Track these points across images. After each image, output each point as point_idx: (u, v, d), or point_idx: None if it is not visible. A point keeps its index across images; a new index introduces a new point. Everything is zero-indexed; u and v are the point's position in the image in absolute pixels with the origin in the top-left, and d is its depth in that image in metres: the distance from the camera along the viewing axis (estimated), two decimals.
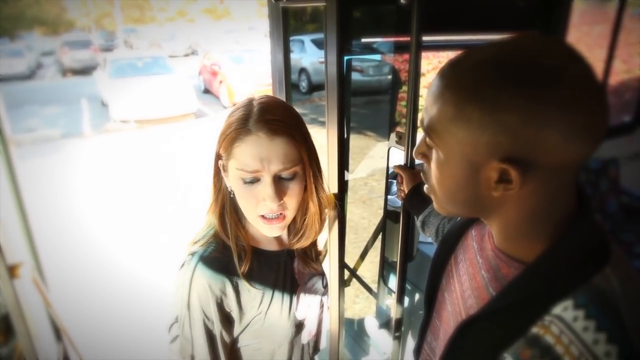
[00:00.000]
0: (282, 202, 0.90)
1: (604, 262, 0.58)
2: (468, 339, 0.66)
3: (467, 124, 0.55)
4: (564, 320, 0.55)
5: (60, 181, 6.06)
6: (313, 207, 1.00)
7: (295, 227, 1.05)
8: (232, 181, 0.92)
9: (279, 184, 0.90)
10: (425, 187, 0.69)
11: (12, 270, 1.45)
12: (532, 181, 0.55)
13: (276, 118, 0.87)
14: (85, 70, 16.67)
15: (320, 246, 1.23)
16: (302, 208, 1.01)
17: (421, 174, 0.70)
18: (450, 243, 0.84)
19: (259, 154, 0.86)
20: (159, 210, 4.96)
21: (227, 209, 0.97)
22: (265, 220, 0.92)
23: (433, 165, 0.64)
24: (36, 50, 21.43)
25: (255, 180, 0.88)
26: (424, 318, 0.91)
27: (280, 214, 0.92)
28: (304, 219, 1.02)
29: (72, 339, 1.88)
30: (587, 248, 0.59)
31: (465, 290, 0.74)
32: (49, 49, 22.93)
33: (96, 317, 3.11)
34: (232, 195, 0.96)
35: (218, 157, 0.93)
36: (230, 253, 0.95)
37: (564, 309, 0.56)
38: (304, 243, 1.04)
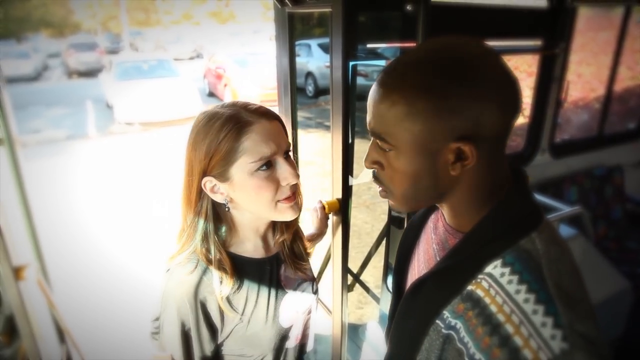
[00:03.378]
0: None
1: (532, 228, 0.66)
2: (416, 299, 0.74)
3: (422, 116, 0.62)
4: (493, 276, 0.64)
5: (64, 183, 6.07)
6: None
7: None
8: (241, 183, 0.90)
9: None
10: (380, 190, 0.74)
11: (17, 272, 1.45)
12: (481, 155, 0.64)
13: (262, 108, 0.92)
14: (90, 73, 16.74)
15: (309, 248, 1.22)
16: None
17: (373, 180, 0.74)
18: (414, 231, 0.92)
19: (270, 137, 0.89)
20: (163, 212, 4.97)
21: (210, 230, 0.95)
22: (286, 201, 0.94)
23: (390, 167, 0.69)
24: (42, 52, 21.50)
25: (268, 165, 0.90)
26: (392, 302, 0.96)
27: (295, 191, 0.96)
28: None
29: (75, 341, 1.89)
30: (517, 217, 0.68)
31: (421, 265, 0.83)
32: (55, 51, 23.08)
33: (100, 319, 3.11)
34: (227, 209, 0.95)
35: (202, 178, 0.91)
36: (211, 267, 0.93)
37: (493, 267, 0.64)
38: (290, 228, 1.07)
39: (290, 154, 0.97)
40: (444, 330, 0.67)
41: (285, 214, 0.96)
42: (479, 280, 0.65)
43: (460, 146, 0.63)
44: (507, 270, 0.63)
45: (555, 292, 0.59)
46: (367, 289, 2.50)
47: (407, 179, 0.68)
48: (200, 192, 0.94)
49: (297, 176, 0.93)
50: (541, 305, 0.58)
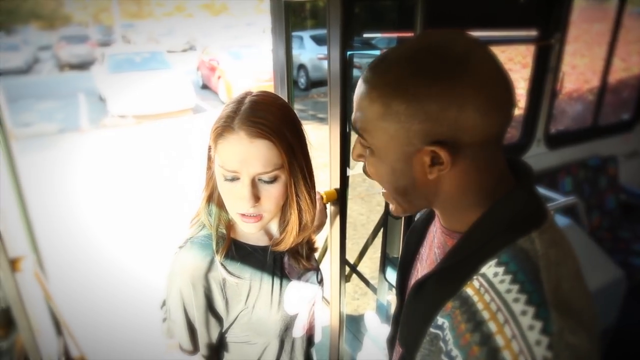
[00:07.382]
0: (257, 204, 0.89)
1: (533, 227, 0.62)
2: (417, 299, 0.72)
3: (396, 117, 0.60)
4: (486, 275, 0.61)
5: (57, 176, 6.03)
6: (292, 215, 0.98)
7: (278, 229, 1.03)
8: (216, 174, 0.91)
9: (258, 186, 0.88)
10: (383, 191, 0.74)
11: (14, 264, 1.45)
12: (462, 158, 0.61)
13: (260, 120, 0.84)
14: (82, 65, 16.59)
15: (316, 243, 1.19)
16: (284, 213, 0.99)
17: (364, 172, 0.73)
18: (416, 235, 0.90)
19: (239, 154, 0.84)
20: (157, 205, 4.96)
21: (215, 197, 0.96)
22: (243, 217, 0.91)
23: (369, 162, 0.68)
24: (33, 44, 21.25)
25: (235, 179, 0.87)
26: (396, 307, 0.95)
27: (258, 214, 0.91)
28: (284, 226, 1.01)
29: (72, 333, 1.89)
30: (517, 216, 0.64)
31: (424, 268, 0.81)
32: (46, 44, 22.81)
33: (97, 311, 3.11)
34: None
35: (209, 147, 0.93)
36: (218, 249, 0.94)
37: (488, 267, 0.62)
38: (282, 247, 1.02)
39: (277, 183, 0.90)
40: (432, 330, 0.65)
41: (242, 226, 0.94)
42: (472, 280, 0.62)
43: (435, 150, 0.60)
44: (501, 269, 0.60)
45: (551, 297, 0.56)
46: (364, 279, 2.52)
47: (384, 177, 0.68)
48: (210, 159, 0.95)
49: (251, 203, 0.87)
50: (532, 307, 0.55)
